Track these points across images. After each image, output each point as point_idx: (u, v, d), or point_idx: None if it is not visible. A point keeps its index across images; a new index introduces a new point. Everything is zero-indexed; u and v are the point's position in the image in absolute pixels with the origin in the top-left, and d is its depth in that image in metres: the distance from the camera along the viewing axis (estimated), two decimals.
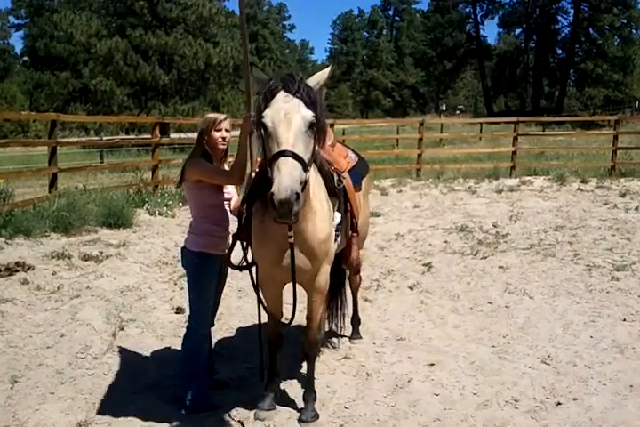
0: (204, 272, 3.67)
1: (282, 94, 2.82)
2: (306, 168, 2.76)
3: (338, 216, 3.74)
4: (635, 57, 50.55)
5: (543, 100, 58.54)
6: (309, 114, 2.79)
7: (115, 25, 34.69)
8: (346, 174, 3.91)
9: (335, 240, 3.71)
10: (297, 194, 2.61)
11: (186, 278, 3.87)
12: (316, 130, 2.86)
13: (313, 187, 3.30)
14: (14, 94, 50.40)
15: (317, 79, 2.98)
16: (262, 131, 2.87)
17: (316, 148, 2.99)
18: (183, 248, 3.77)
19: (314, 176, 3.36)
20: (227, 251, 3.72)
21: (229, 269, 3.84)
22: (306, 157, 2.76)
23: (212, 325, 4.00)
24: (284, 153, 2.69)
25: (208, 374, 3.87)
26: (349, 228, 4.00)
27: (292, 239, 3.14)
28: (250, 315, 5.35)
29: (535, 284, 6.48)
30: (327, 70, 3.03)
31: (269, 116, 2.81)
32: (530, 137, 19.09)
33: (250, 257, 3.67)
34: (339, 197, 3.74)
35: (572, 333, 5.12)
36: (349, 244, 4.07)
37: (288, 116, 2.76)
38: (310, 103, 2.81)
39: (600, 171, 15.33)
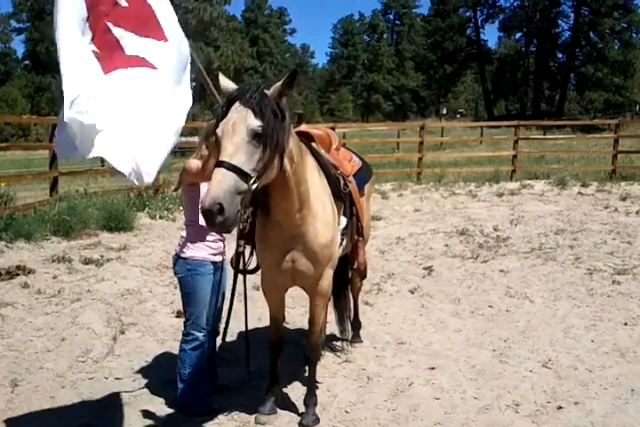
0: (197, 279, 3.62)
1: (236, 105, 2.80)
2: (247, 179, 2.71)
3: (344, 220, 3.74)
4: (635, 61, 50.66)
5: (544, 103, 58.61)
6: (256, 124, 2.74)
7: None
8: (351, 178, 3.91)
9: (340, 244, 3.71)
10: (220, 204, 2.57)
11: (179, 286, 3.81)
12: (266, 139, 2.77)
13: (315, 190, 3.31)
14: (15, 98, 50.61)
15: (275, 87, 2.92)
16: (215, 141, 2.88)
17: (279, 155, 2.90)
18: (174, 256, 3.74)
19: (317, 179, 3.37)
20: (233, 254, 3.73)
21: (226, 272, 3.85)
22: (247, 168, 2.70)
23: (218, 333, 3.97)
24: (220, 164, 2.68)
25: (209, 378, 3.86)
26: (355, 232, 4.01)
27: (240, 248, 3.25)
28: (251, 318, 5.34)
29: (536, 287, 6.47)
30: (284, 79, 2.94)
31: (220, 126, 2.81)
32: (530, 141, 19.12)
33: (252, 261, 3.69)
34: (344, 201, 3.74)
35: (573, 337, 5.11)
36: (356, 248, 4.08)
37: (234, 126, 2.74)
38: (259, 112, 2.76)
39: (601, 174, 15.34)
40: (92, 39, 2.50)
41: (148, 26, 2.61)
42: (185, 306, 3.76)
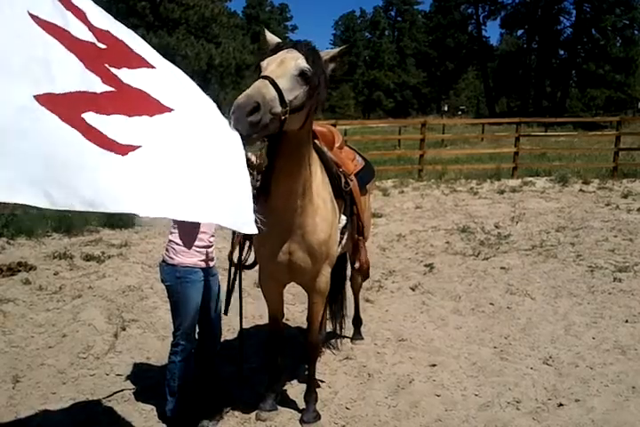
0: (187, 287, 3.39)
1: (287, 49, 2.84)
2: (283, 106, 2.63)
3: (343, 219, 3.73)
4: (637, 58, 50.50)
5: (545, 100, 58.45)
6: (305, 65, 2.75)
7: None
8: (353, 177, 3.90)
9: (340, 243, 3.70)
10: (257, 103, 2.49)
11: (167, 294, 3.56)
12: (309, 82, 2.76)
13: (317, 185, 3.29)
14: None
15: (328, 51, 2.99)
16: (258, 73, 2.81)
17: (308, 107, 2.89)
18: (161, 263, 3.48)
19: (319, 176, 3.35)
20: (230, 250, 3.71)
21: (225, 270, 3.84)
22: (286, 95, 2.64)
23: (219, 338, 3.81)
24: (263, 77, 2.64)
25: (202, 384, 3.70)
26: (355, 231, 3.99)
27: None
28: (252, 315, 5.35)
29: (537, 285, 6.47)
30: (340, 48, 3.06)
31: (267, 60, 2.81)
32: (532, 138, 19.02)
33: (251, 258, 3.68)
34: (345, 199, 3.73)
35: (574, 334, 5.11)
36: (357, 247, 4.05)
37: (282, 59, 2.76)
38: (311, 60, 2.79)
39: (602, 172, 15.32)
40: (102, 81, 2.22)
41: (133, 58, 2.46)
42: (174, 315, 3.52)
